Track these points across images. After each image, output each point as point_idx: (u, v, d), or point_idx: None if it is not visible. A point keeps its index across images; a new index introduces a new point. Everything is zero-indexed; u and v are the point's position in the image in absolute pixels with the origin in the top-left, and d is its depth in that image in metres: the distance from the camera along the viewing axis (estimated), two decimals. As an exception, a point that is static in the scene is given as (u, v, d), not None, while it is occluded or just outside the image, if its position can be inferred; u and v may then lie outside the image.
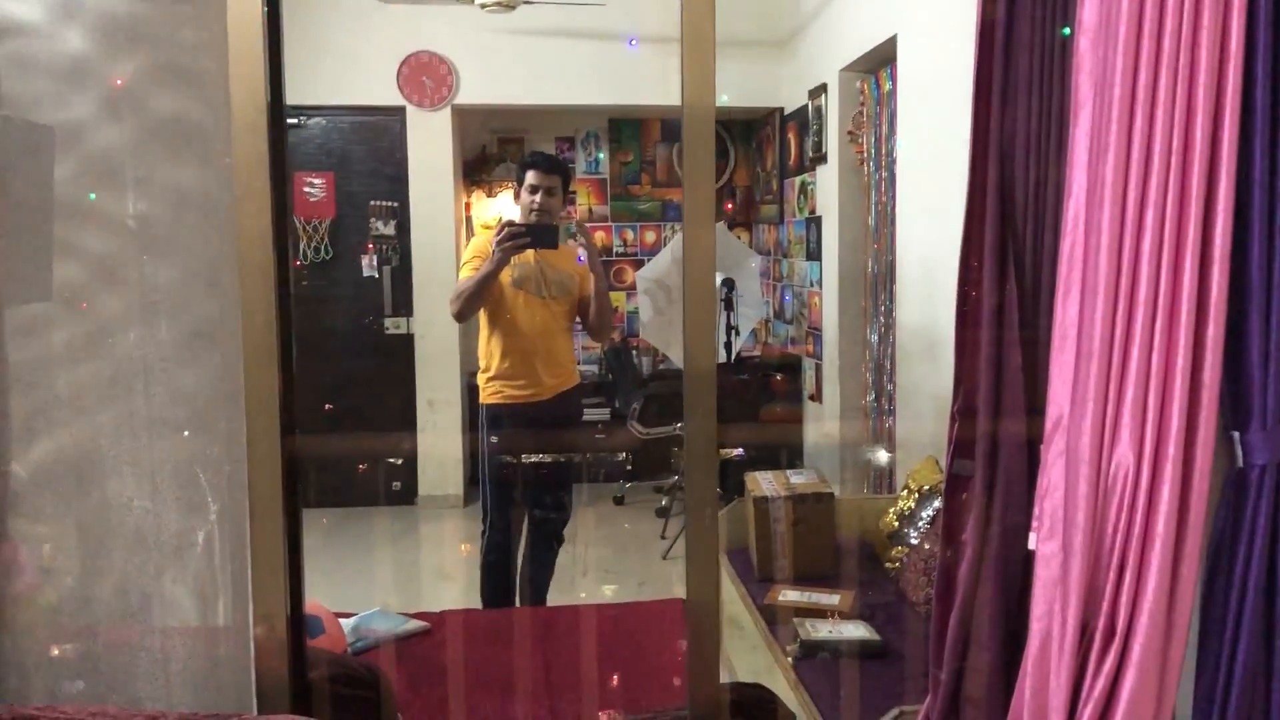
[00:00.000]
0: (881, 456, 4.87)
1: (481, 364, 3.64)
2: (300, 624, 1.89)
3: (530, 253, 3.50)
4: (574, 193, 6.90)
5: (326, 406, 6.06)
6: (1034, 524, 1.75)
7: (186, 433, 1.72)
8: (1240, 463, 1.67)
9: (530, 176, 3.57)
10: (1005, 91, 2.06)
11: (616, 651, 2.56)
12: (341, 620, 2.55)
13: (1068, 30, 2.14)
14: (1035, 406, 2.09)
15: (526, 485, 3.55)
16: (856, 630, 3.05)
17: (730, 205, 7.14)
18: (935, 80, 3.96)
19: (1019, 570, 2.02)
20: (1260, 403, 1.64)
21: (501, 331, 3.56)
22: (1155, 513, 1.63)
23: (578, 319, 3.74)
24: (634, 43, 5.95)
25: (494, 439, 3.55)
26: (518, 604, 3.33)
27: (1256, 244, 1.62)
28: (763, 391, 6.19)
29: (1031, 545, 1.76)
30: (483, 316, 3.58)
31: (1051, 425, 1.72)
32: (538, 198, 3.54)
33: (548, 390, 3.59)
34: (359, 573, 5.04)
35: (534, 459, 3.58)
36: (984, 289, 2.08)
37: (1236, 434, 1.67)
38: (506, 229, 3.36)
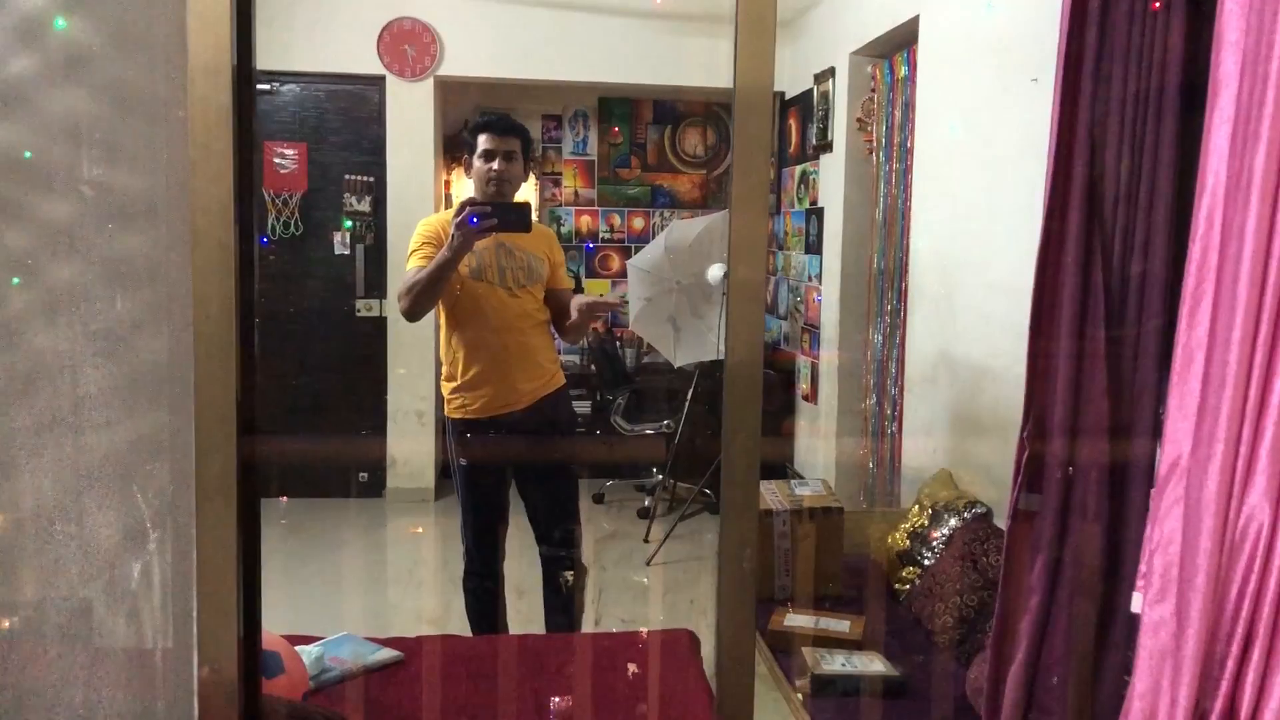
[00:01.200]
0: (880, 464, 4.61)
1: (445, 370, 3.12)
2: (254, 671, 1.59)
3: (489, 235, 2.94)
4: (559, 174, 6.58)
5: (295, 389, 5.73)
6: (1139, 583, 1.48)
7: (122, 441, 1.41)
8: (1393, 518, 1.40)
9: (483, 141, 3.01)
10: (1099, 69, 1.78)
11: (616, 688, 2.27)
12: (305, 649, 2.24)
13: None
14: (1119, 432, 1.82)
15: (506, 511, 3.14)
16: (872, 664, 2.78)
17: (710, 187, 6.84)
18: (961, 65, 3.68)
19: (1097, 628, 1.75)
20: None
21: (462, 332, 3.04)
22: (1293, 576, 1.36)
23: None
24: None
25: (463, 461, 3.07)
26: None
27: None
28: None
29: (1136, 608, 1.48)
30: (441, 314, 3.08)
31: (1168, 467, 1.44)
32: (495, 164, 2.98)
33: (524, 398, 3.06)
34: (320, 573, 4.72)
35: (519, 481, 3.14)
36: (1064, 295, 1.80)
37: (1390, 484, 1.40)
38: (469, 209, 2.79)
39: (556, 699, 2.28)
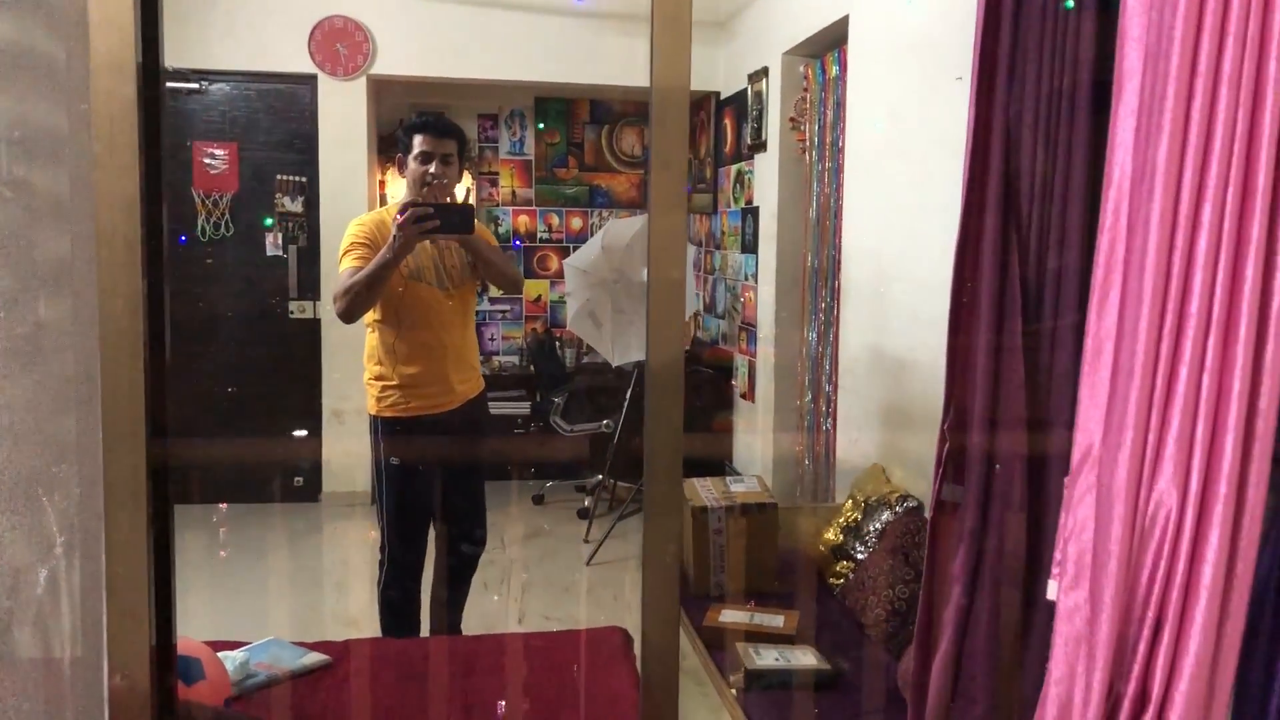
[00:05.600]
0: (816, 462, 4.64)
1: (376, 370, 3.09)
2: (169, 678, 1.55)
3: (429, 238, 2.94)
4: (496, 173, 6.55)
5: (228, 392, 5.63)
6: (1054, 570, 1.50)
7: (25, 448, 1.37)
8: (1294, 502, 1.44)
9: (419, 142, 2.98)
10: (1013, 68, 1.80)
11: (548, 688, 2.26)
12: (229, 654, 2.20)
13: (1071, 2, 1.90)
14: (1036, 423, 1.85)
15: (434, 512, 3.13)
16: (805, 657, 2.80)
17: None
18: (889, 65, 3.72)
19: (1018, 616, 1.78)
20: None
21: (401, 332, 3.03)
22: (1200, 560, 1.39)
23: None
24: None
25: (394, 460, 3.05)
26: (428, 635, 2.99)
27: (1325, 248, 1.38)
28: (695, 391, 5.93)
29: (1051, 595, 1.50)
30: (373, 313, 3.05)
31: (1080, 456, 1.47)
32: (432, 167, 2.96)
33: (457, 398, 3.10)
34: (253, 582, 4.65)
35: (441, 481, 3.12)
36: (982, 291, 1.82)
37: (1292, 469, 1.44)
38: (411, 209, 2.78)
39: (502, 702, 2.27)
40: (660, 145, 1.55)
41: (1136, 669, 1.41)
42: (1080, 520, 1.45)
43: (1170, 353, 1.38)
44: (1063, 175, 1.80)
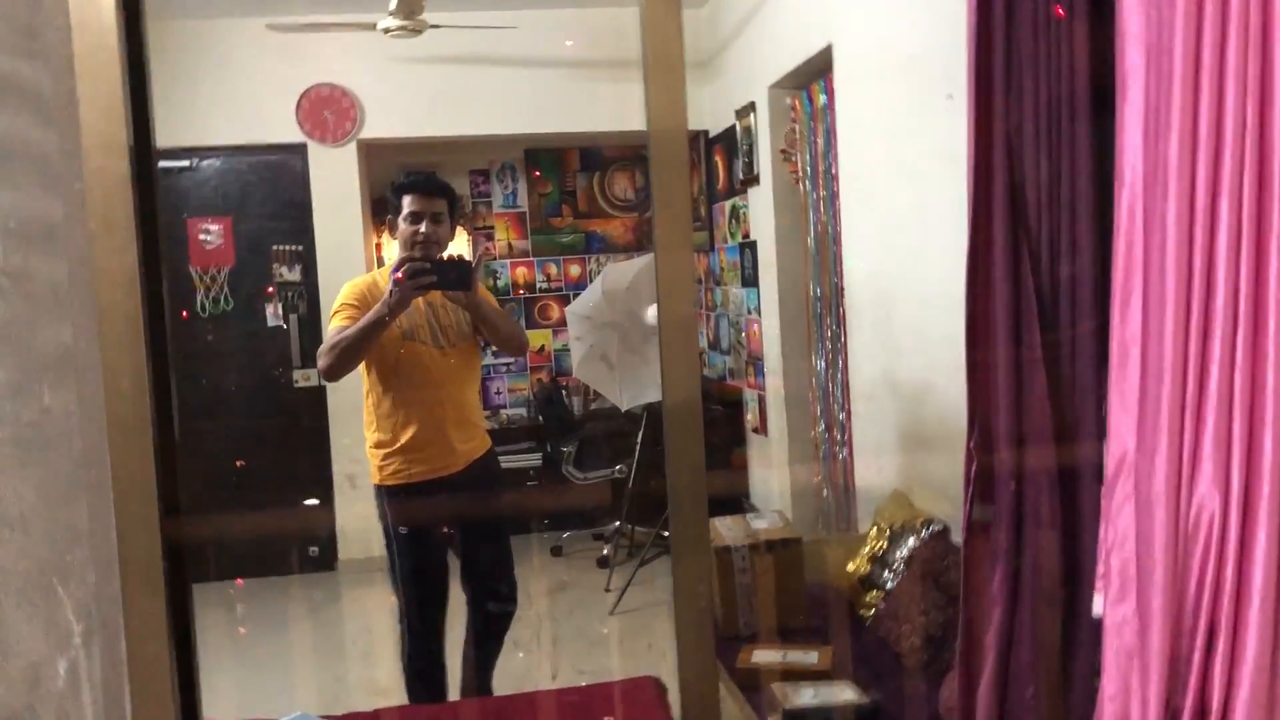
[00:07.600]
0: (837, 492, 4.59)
1: (374, 436, 3.04)
2: (198, 763, 1.51)
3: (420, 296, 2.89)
4: (491, 227, 6.55)
5: (237, 466, 5.59)
6: (1098, 583, 1.46)
7: (37, 538, 1.34)
8: (1341, 496, 1.40)
9: (409, 202, 2.92)
10: (1009, 79, 1.79)
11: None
12: (255, 733, 2.15)
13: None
14: (1063, 434, 1.81)
15: (453, 576, 3.07)
16: (843, 693, 2.73)
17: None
18: (877, 88, 3.72)
19: (1061, 633, 1.73)
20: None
21: (397, 394, 2.96)
22: (1249, 562, 1.34)
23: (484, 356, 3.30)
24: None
25: (402, 529, 2.99)
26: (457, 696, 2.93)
27: (1347, 233, 1.35)
28: (706, 428, 5.88)
29: (1097, 610, 1.46)
30: (369, 378, 3.00)
31: (1115, 464, 1.43)
32: (422, 227, 2.90)
33: (460, 460, 3.02)
34: (277, 656, 4.59)
35: (461, 544, 3.07)
36: (996, 304, 1.79)
37: (1334, 461, 1.40)
38: (408, 265, 2.72)
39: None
40: (661, 186, 1.53)
41: (1193, 681, 1.37)
42: (1121, 530, 1.41)
43: (1199, 352, 1.34)
44: (1069, 182, 1.78)
